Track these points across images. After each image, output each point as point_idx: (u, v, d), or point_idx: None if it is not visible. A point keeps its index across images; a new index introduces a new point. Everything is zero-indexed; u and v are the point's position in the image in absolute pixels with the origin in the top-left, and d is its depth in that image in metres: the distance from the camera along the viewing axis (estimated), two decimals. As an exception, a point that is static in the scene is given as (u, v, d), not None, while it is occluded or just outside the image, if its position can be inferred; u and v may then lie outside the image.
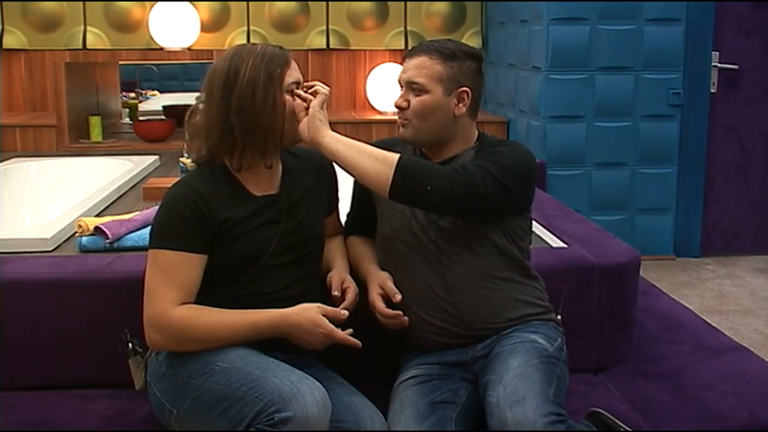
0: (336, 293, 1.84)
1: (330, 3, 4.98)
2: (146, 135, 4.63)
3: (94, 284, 2.02)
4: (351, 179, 1.83)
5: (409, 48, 2.24)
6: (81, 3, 4.81)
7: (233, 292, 1.75)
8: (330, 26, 4.99)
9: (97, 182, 3.30)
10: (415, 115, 1.87)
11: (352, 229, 2.08)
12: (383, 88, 4.86)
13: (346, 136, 1.77)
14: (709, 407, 1.98)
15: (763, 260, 4.49)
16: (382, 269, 1.93)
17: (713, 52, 4.36)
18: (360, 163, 1.73)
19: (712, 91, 4.40)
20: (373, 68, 4.99)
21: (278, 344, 1.73)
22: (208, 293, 1.73)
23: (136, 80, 5.19)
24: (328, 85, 1.82)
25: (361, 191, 2.03)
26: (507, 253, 1.88)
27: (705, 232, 4.52)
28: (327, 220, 1.99)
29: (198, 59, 4.71)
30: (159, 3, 4.74)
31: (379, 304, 1.85)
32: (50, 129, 4.44)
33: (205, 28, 4.87)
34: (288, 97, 1.76)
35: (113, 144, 4.53)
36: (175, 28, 4.71)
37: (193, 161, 1.84)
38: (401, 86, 1.91)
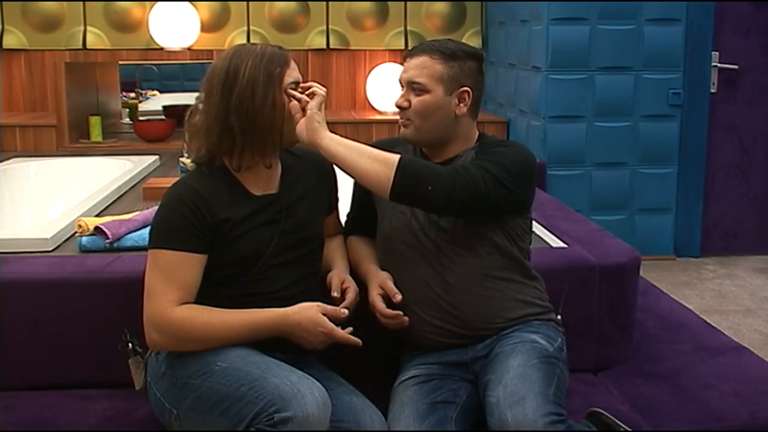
0: (335, 294, 1.84)
1: (330, 3, 4.98)
2: (146, 135, 4.63)
3: (94, 284, 2.02)
4: (351, 179, 1.83)
5: (410, 48, 2.24)
6: (81, 3, 4.81)
7: (233, 292, 1.75)
8: (330, 26, 4.99)
9: (97, 182, 3.30)
10: (416, 114, 1.87)
11: (352, 229, 2.07)
12: (383, 88, 4.86)
13: (346, 136, 1.77)
14: (709, 407, 1.98)
15: (763, 260, 4.49)
16: (382, 269, 1.93)
17: (713, 52, 4.36)
18: (360, 165, 1.73)
19: (712, 91, 4.40)
20: (373, 68, 4.99)
21: (278, 344, 1.73)
22: (208, 293, 1.73)
23: (136, 80, 5.19)
24: (325, 86, 1.82)
25: (361, 191, 2.02)
26: (507, 253, 1.87)
27: (705, 232, 4.52)
28: (327, 220, 1.99)
29: (198, 59, 4.71)
30: (159, 3, 4.74)
31: (379, 304, 1.85)
32: (50, 129, 4.44)
33: (205, 28, 4.88)
34: (287, 97, 1.76)
35: (113, 144, 4.53)
36: (175, 28, 4.71)
37: (192, 161, 1.84)
38: (402, 86, 1.91)
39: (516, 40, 4.59)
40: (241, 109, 1.71)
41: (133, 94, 5.14)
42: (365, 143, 1.79)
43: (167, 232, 1.70)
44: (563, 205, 2.95)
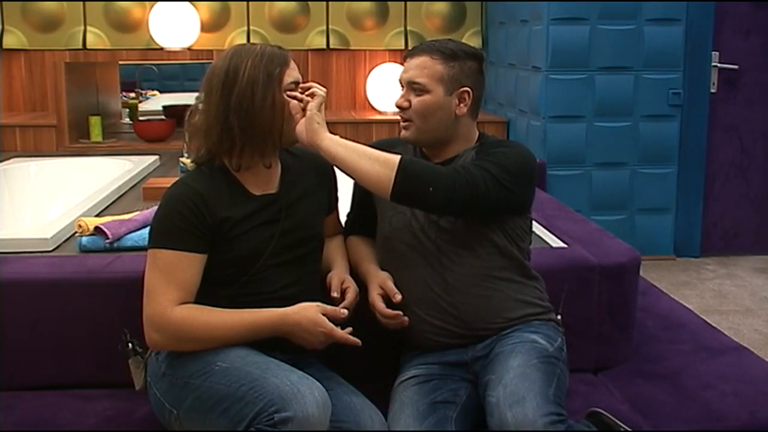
0: (335, 294, 1.84)
1: (330, 3, 4.98)
2: (146, 135, 4.63)
3: (94, 284, 2.02)
4: (351, 179, 1.83)
5: (410, 48, 2.24)
6: (81, 3, 4.81)
7: (233, 292, 1.75)
8: (330, 26, 4.99)
9: (97, 182, 3.30)
10: (416, 114, 1.87)
11: (352, 229, 2.07)
12: (383, 88, 4.86)
13: (346, 136, 1.77)
14: (709, 407, 1.98)
15: (763, 260, 4.49)
16: (382, 269, 1.93)
17: (713, 52, 4.36)
18: (361, 166, 1.73)
19: (712, 91, 4.40)
20: (373, 68, 4.99)
21: (278, 344, 1.73)
22: (208, 293, 1.73)
23: (136, 80, 5.19)
24: (325, 86, 1.82)
25: (361, 191, 2.02)
26: (507, 253, 1.87)
27: (705, 232, 4.52)
28: (327, 220, 1.99)
29: (198, 59, 4.71)
30: (159, 3, 4.74)
31: (379, 304, 1.85)
32: (50, 129, 4.44)
33: (205, 28, 4.88)
34: (287, 97, 1.76)
35: (113, 144, 4.53)
36: (175, 28, 4.71)
37: (192, 161, 1.84)
38: (402, 86, 1.91)
39: (516, 40, 4.59)
40: (240, 109, 1.71)
41: (133, 94, 5.14)
42: (365, 143, 1.79)
43: (167, 232, 1.70)
44: (563, 205, 2.95)
